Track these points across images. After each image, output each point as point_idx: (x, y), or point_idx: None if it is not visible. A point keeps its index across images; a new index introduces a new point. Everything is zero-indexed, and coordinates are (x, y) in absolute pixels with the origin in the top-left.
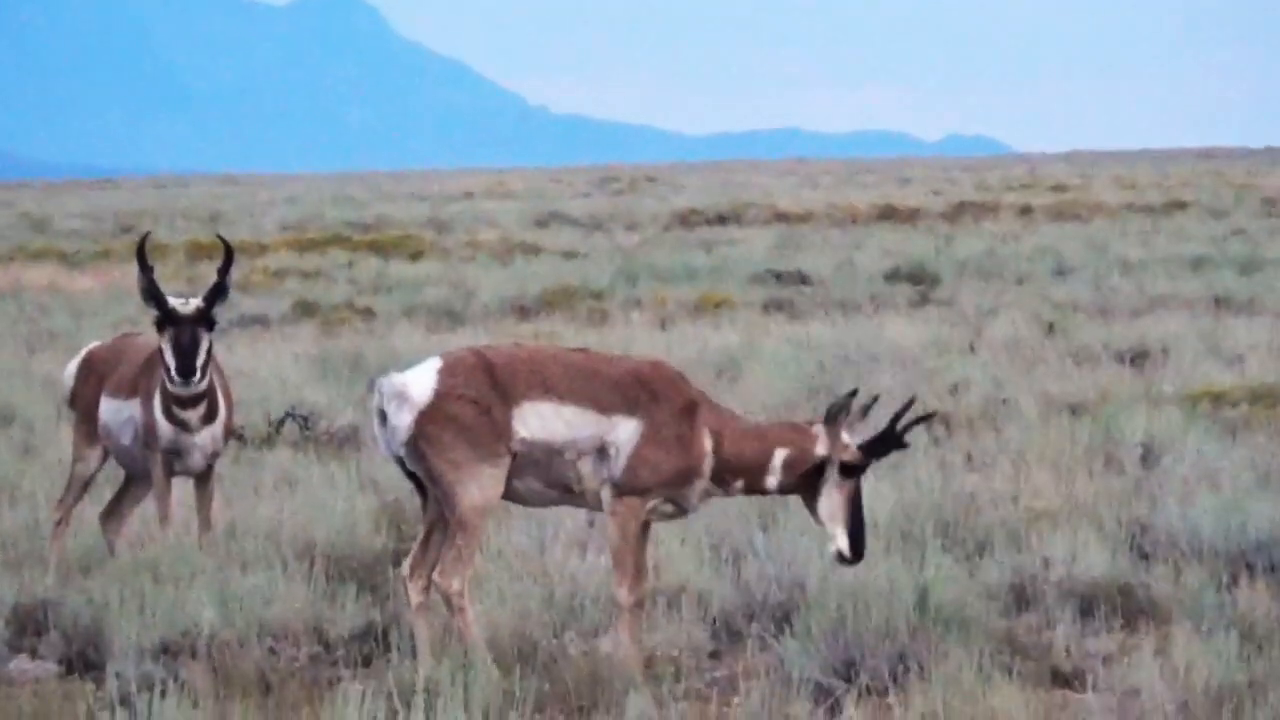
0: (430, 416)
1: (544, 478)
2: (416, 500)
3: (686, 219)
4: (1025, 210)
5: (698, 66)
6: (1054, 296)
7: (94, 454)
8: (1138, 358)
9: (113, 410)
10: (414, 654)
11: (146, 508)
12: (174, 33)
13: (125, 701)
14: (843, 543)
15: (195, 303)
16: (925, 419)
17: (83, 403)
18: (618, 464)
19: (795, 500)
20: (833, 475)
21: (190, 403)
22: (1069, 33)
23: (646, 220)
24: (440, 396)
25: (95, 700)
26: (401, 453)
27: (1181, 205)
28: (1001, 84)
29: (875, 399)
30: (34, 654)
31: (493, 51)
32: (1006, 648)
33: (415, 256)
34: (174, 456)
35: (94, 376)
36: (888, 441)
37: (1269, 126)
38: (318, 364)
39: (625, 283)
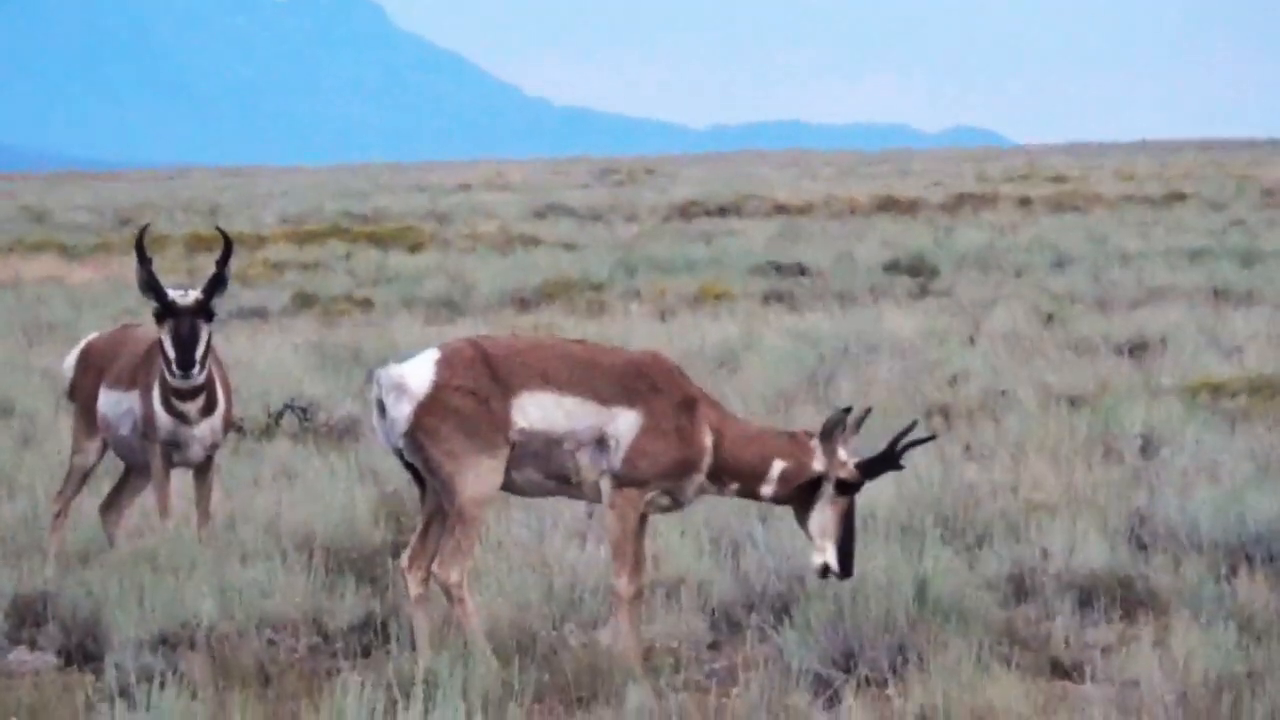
0: (429, 408)
1: (542, 469)
2: (415, 492)
3: (686, 211)
4: (1024, 202)
5: (698, 58)
6: (1053, 288)
7: (93, 445)
8: (1137, 349)
9: (112, 402)
10: (413, 645)
11: (146, 499)
12: (174, 25)
13: (124, 693)
14: (831, 558)
15: (194, 295)
16: (925, 441)
17: (82, 394)
18: (617, 455)
19: None
20: (828, 491)
21: (189, 395)
22: (1069, 25)
23: (646, 212)
24: (439, 388)
25: (94, 691)
26: (400, 444)
27: (1181, 197)
28: (1001, 76)
29: (867, 411)
30: (33, 645)
31: (492, 43)
32: (1005, 639)
33: (414, 248)
34: (173, 448)
35: (93, 368)
36: (886, 462)
37: (1268, 118)
38: (317, 356)
39: (624, 274)
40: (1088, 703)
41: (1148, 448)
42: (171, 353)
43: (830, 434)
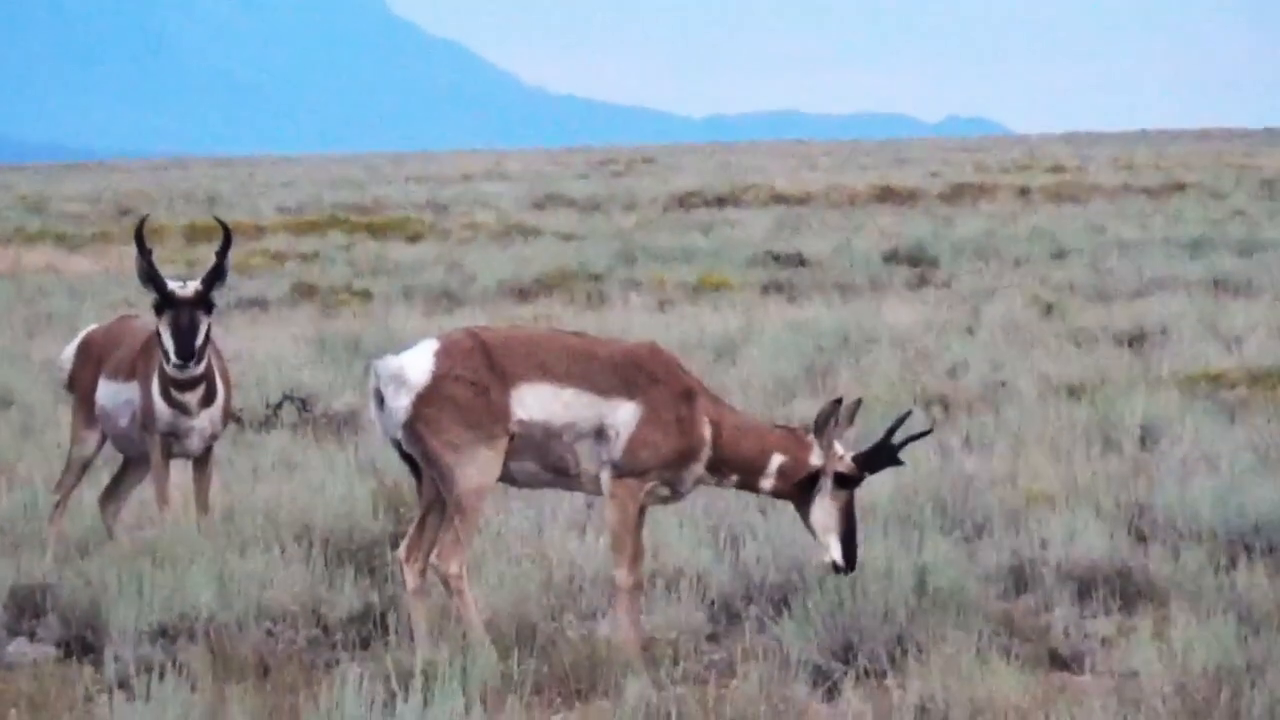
0: (428, 398)
1: (541, 460)
2: (413, 483)
3: (685, 201)
4: (1023, 192)
5: (696, 48)
6: (1052, 278)
7: (92, 437)
8: (1136, 339)
9: (111, 393)
10: (412, 637)
11: (144, 491)
12: (172, 15)
13: (123, 684)
14: (836, 553)
15: (193, 285)
16: (922, 435)
17: (81, 385)
18: (617, 446)
19: None
20: (827, 486)
21: (188, 385)
22: (1068, 14)
23: (645, 202)
24: (438, 378)
25: (93, 683)
26: (399, 435)
27: (1180, 186)
28: (1000, 65)
29: (858, 402)
30: (32, 637)
31: (490, 32)
32: (1004, 630)
33: (413, 239)
34: (172, 439)
35: (92, 359)
36: (884, 454)
37: (1268, 107)
38: (316, 346)
39: (623, 265)
40: (1087, 694)
41: (1147, 438)
42: (170, 344)
43: (823, 427)
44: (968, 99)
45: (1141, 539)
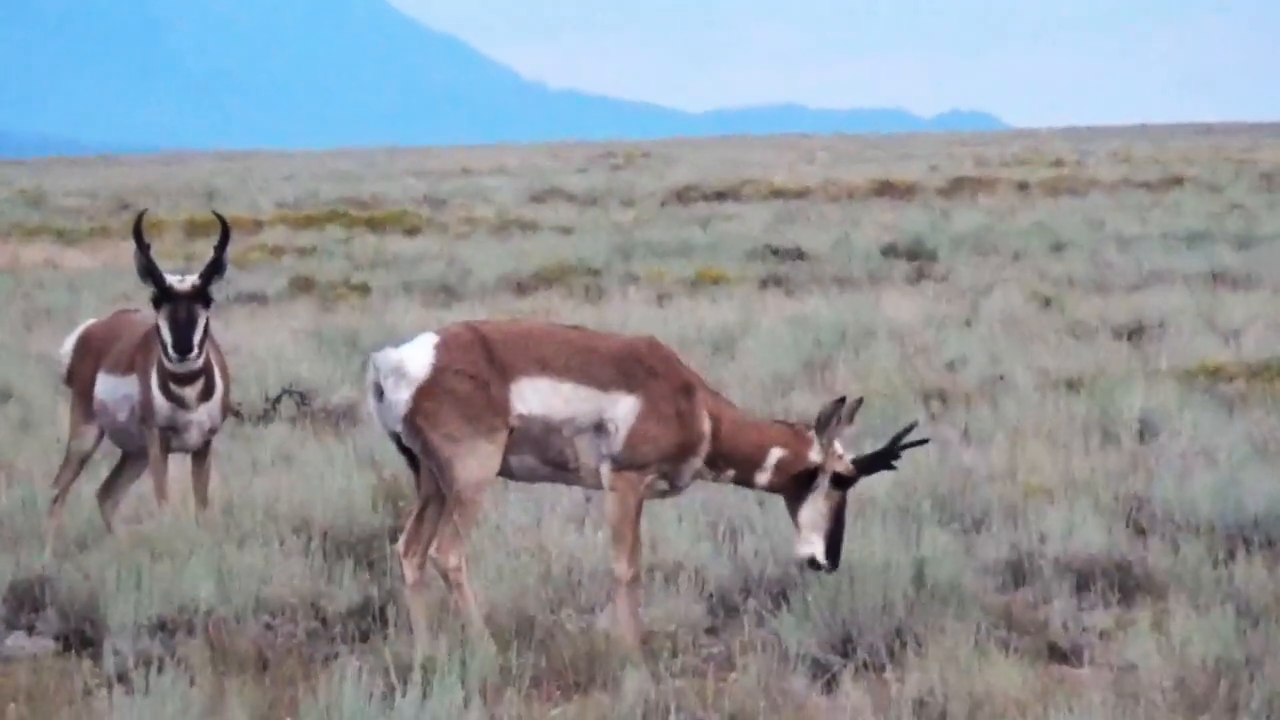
0: (427, 392)
1: (540, 454)
2: (411, 476)
3: (684, 195)
4: (1022, 186)
5: (695, 42)
6: (1051, 272)
7: (91, 431)
8: (1135, 333)
9: (109, 387)
10: (411, 630)
11: (143, 485)
12: (170, 10)
13: (122, 678)
14: (818, 550)
15: (192, 279)
16: (919, 443)
17: (79, 380)
18: (616, 440)
19: None
20: (823, 484)
21: (187, 379)
22: (1066, 8)
23: (643, 196)
24: (438, 371)
25: (92, 677)
26: (398, 428)
27: (1179, 180)
28: (999, 60)
29: (859, 402)
30: (31, 631)
31: (489, 27)
32: (1003, 623)
33: (411, 233)
34: (171, 433)
35: (91, 353)
36: (885, 459)
37: (1266, 101)
38: (314, 340)
39: (622, 259)
40: (1085, 687)
41: (1145, 431)
42: (169, 338)
43: (826, 425)
44: (967, 93)
45: (1140, 532)
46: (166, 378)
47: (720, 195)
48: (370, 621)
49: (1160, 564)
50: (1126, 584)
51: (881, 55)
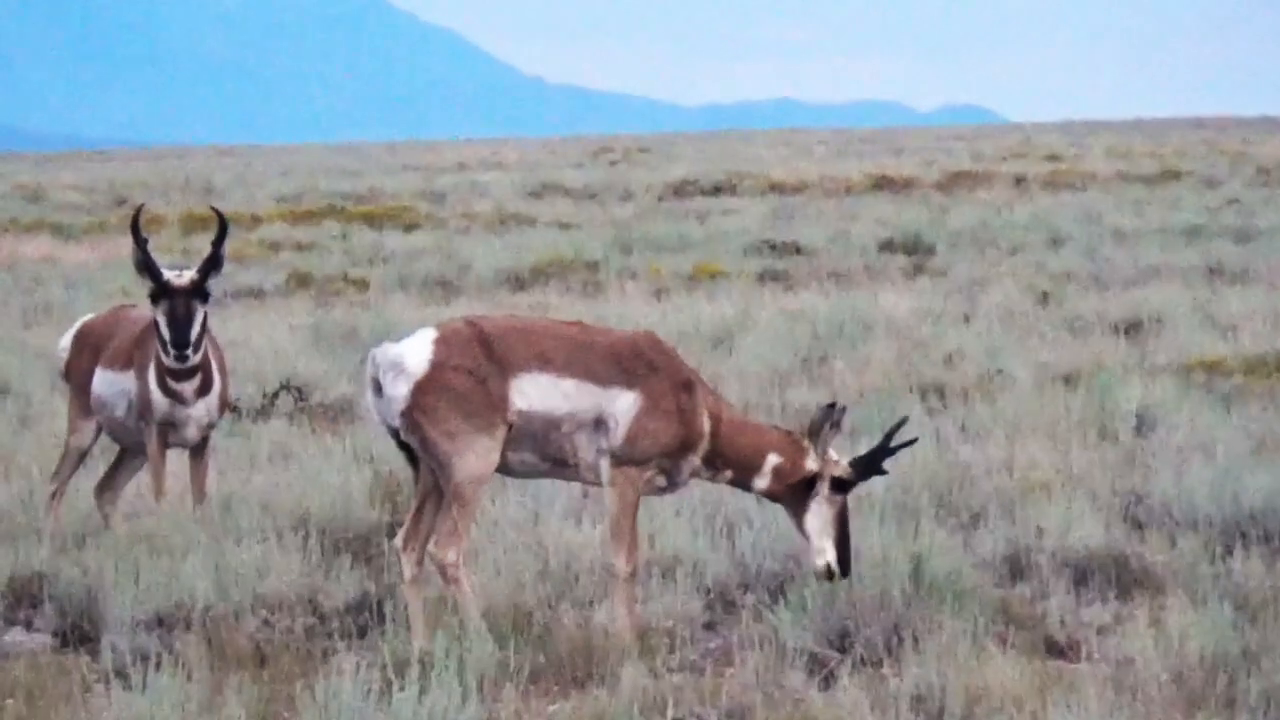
0: (426, 387)
1: (539, 450)
2: (410, 472)
3: (681, 190)
4: (1019, 180)
5: (692, 37)
6: (1048, 266)
7: (89, 426)
8: (1132, 328)
9: (107, 382)
10: (408, 626)
11: (141, 480)
12: (169, 4)
13: (120, 674)
14: (831, 558)
15: (189, 275)
16: (909, 444)
17: (77, 375)
18: (616, 435)
19: None
20: (823, 491)
21: (185, 375)
22: (1064, 2)
23: (641, 191)
24: (436, 367)
25: (90, 672)
26: (396, 423)
27: (1175, 174)
28: (995, 53)
29: (844, 409)
30: (29, 626)
31: (488, 22)
32: (1001, 618)
33: (409, 228)
34: (169, 429)
35: (89, 349)
36: (880, 457)
37: (1263, 95)
38: (312, 335)
39: (619, 254)
40: (1083, 681)
41: (1143, 426)
42: (166, 333)
43: (818, 433)
44: (964, 87)
45: (1137, 527)
46: (164, 373)
47: (717, 190)
48: (368, 617)
49: (1157, 559)
50: (1124, 579)
51: (878, 49)
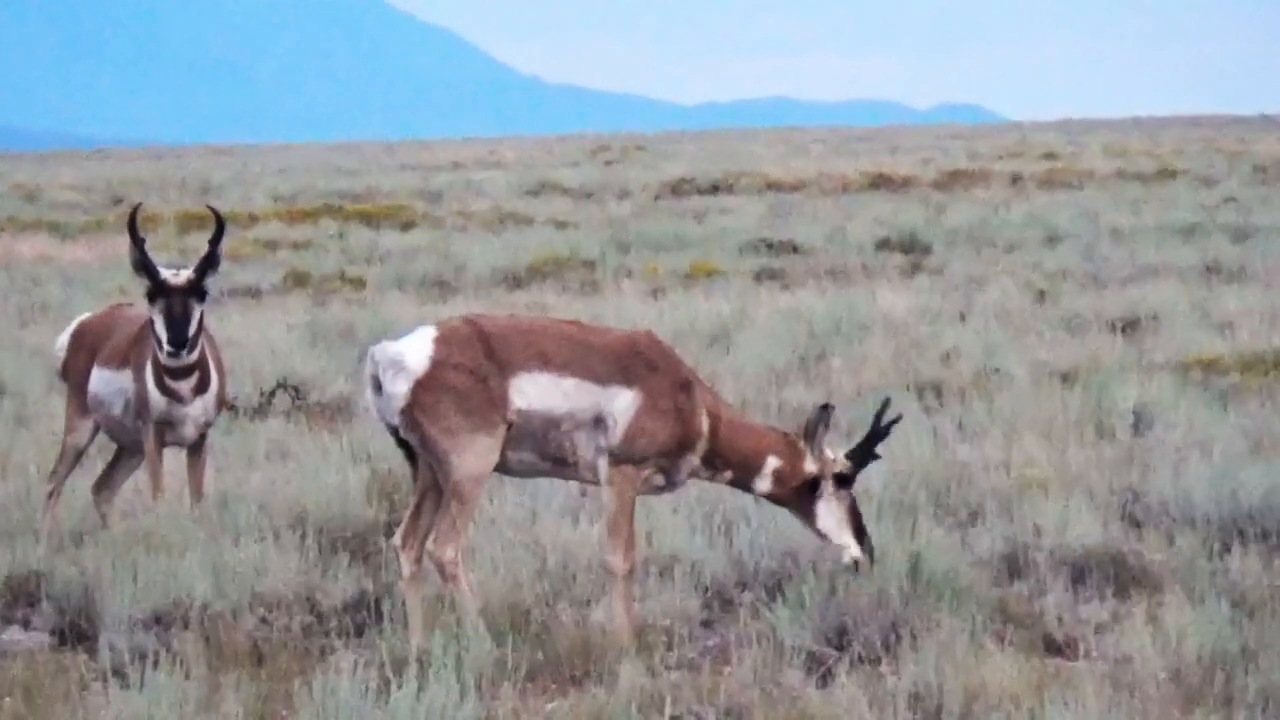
0: (426, 385)
1: (539, 449)
2: (408, 470)
3: (678, 188)
4: (1016, 178)
5: (689, 36)
6: (1045, 265)
7: (86, 425)
8: (1129, 326)
9: (104, 381)
10: (406, 624)
11: (138, 479)
12: (166, 3)
13: (118, 672)
14: (855, 551)
15: (186, 274)
16: (894, 421)
17: (74, 374)
18: (615, 434)
19: None
20: (829, 489)
21: (182, 374)
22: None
23: (638, 190)
24: (437, 365)
25: (88, 671)
26: (396, 421)
27: (1172, 173)
28: (992, 52)
29: (831, 408)
30: (26, 625)
31: (486, 21)
32: (998, 616)
33: (406, 227)
34: (166, 427)
35: (86, 348)
36: (872, 443)
37: (1260, 93)
38: (309, 334)
39: (616, 252)
40: (1081, 679)
41: (1140, 424)
42: (163, 332)
43: (813, 434)
44: (961, 86)
45: (1135, 525)
46: (161, 372)
47: (714, 188)
48: (365, 615)
49: (1155, 557)
50: (1121, 577)
51: (875, 48)
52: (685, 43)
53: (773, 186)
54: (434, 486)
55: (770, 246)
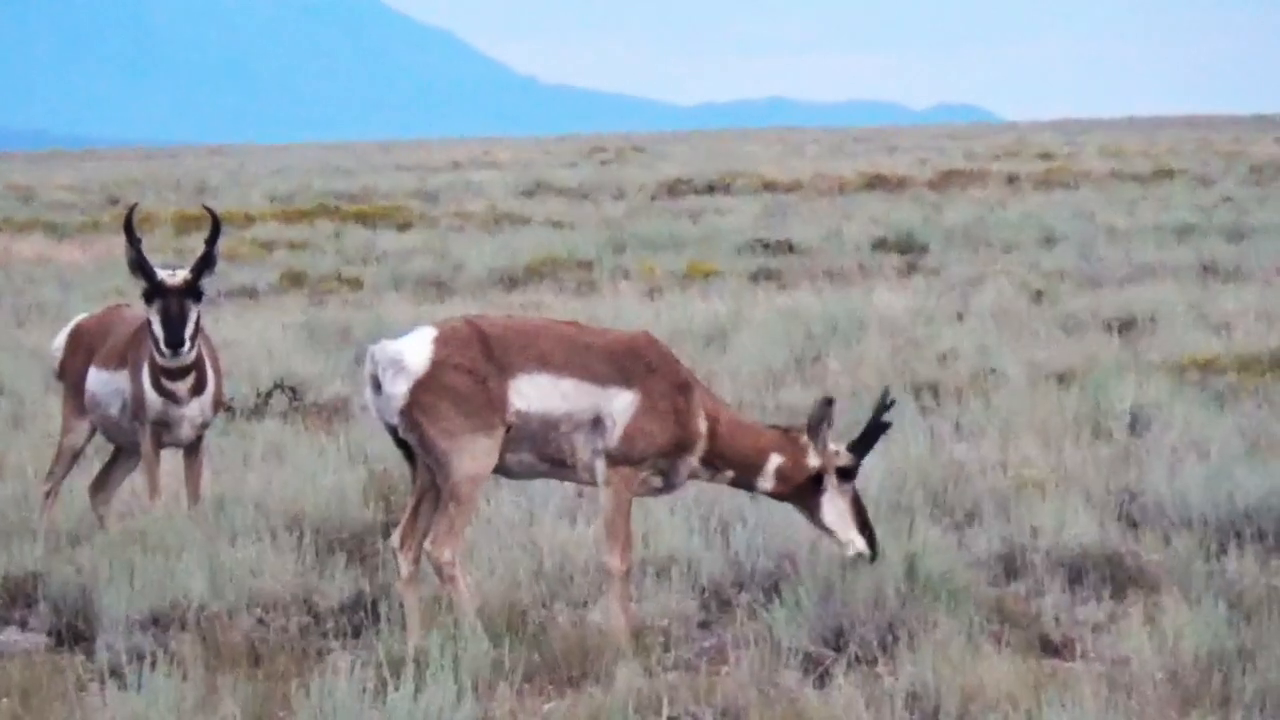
0: (426, 385)
1: (537, 450)
2: (406, 470)
3: (674, 189)
4: (1012, 179)
5: (685, 36)
6: (1041, 265)
7: (83, 426)
8: (1125, 326)
9: (101, 382)
10: (404, 625)
11: (135, 479)
12: (161, 2)
13: (115, 673)
14: (861, 544)
15: (183, 274)
16: (890, 405)
17: (71, 375)
18: (613, 435)
19: None
20: (832, 483)
21: (179, 374)
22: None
23: (634, 190)
24: (437, 365)
25: (85, 671)
26: (395, 421)
27: (1169, 173)
28: (989, 52)
29: (834, 402)
30: (23, 626)
31: (482, 21)
32: (995, 617)
33: (403, 227)
34: (163, 428)
35: (82, 348)
36: (874, 434)
37: (1256, 93)
38: (306, 335)
39: (613, 253)
40: (1077, 680)
41: (1137, 425)
42: (160, 332)
43: (817, 429)
44: (957, 86)
45: (1132, 525)
46: (158, 373)
47: (711, 189)
48: (362, 616)
49: (1152, 557)
50: (1118, 577)
51: (871, 48)
52: (682, 43)
53: (769, 187)
54: (432, 487)
55: (767, 247)
